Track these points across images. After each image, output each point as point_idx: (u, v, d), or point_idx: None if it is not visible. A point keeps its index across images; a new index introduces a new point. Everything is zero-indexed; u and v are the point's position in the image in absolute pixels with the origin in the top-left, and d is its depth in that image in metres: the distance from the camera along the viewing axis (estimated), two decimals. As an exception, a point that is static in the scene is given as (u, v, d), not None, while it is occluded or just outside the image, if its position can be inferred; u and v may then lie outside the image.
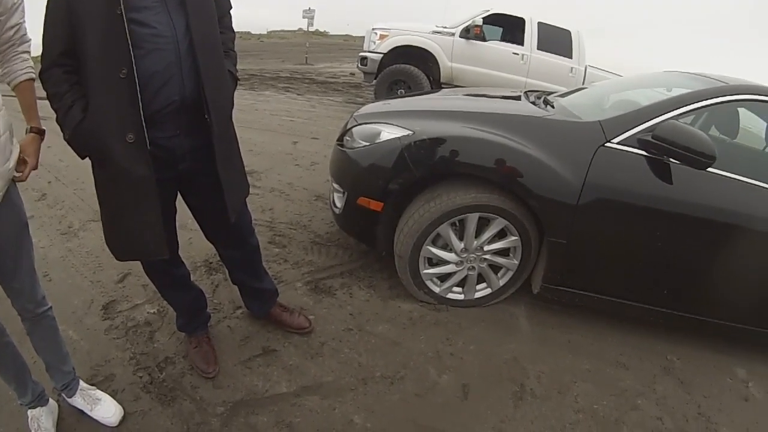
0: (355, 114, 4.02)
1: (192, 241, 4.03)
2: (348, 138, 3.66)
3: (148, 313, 3.32)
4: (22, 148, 2.00)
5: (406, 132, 3.31)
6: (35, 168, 2.06)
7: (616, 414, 2.84)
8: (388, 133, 3.39)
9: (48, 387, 2.51)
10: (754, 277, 3.22)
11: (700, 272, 3.21)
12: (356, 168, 3.45)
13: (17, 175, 1.96)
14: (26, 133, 2.07)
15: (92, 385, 2.67)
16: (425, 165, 3.24)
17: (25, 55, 2.04)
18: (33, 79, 2.05)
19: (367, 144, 3.45)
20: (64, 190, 5.33)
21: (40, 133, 2.10)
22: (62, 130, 2.07)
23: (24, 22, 2.01)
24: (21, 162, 1.98)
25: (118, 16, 1.86)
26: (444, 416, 2.71)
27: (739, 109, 3.86)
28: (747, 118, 3.98)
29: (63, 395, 2.55)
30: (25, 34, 2.03)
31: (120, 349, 3.01)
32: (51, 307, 2.32)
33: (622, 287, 3.36)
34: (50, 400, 2.49)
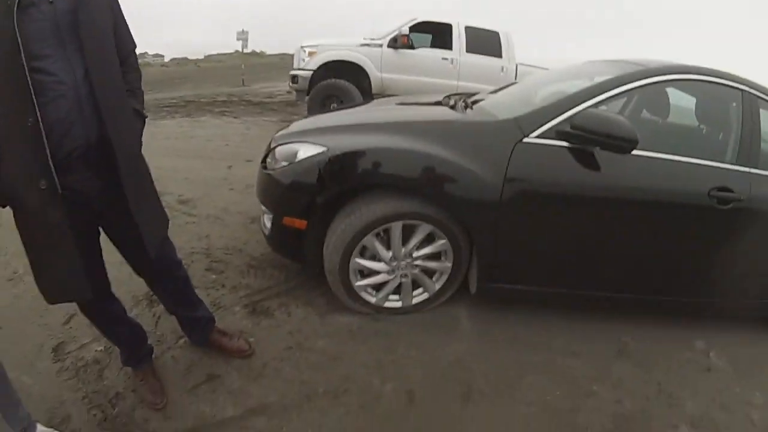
0: (275, 135, 4.05)
1: (133, 276, 3.99)
2: (270, 159, 3.69)
3: (95, 351, 3.30)
4: None
5: (320, 149, 3.34)
6: None
7: (570, 403, 2.89)
8: (304, 151, 3.41)
9: None
10: (689, 249, 3.32)
11: (634, 252, 3.29)
12: (279, 188, 3.47)
13: None
14: None
15: (51, 427, 2.65)
16: (340, 180, 3.28)
17: None
18: None
19: (286, 164, 3.48)
20: (6, 236, 5.09)
21: None
22: None
23: None
24: None
25: (21, 66, 1.88)
26: (392, 425, 2.75)
27: (668, 89, 3.93)
28: (679, 98, 4.03)
29: None
30: None
31: (72, 389, 2.99)
32: None
33: (557, 277, 3.42)
34: None
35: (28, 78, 1.89)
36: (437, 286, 3.58)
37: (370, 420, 2.77)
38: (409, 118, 3.69)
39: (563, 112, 3.17)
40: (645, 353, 3.28)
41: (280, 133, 4.05)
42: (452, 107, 3.92)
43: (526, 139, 3.12)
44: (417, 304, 3.64)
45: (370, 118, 3.99)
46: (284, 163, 3.50)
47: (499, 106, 3.76)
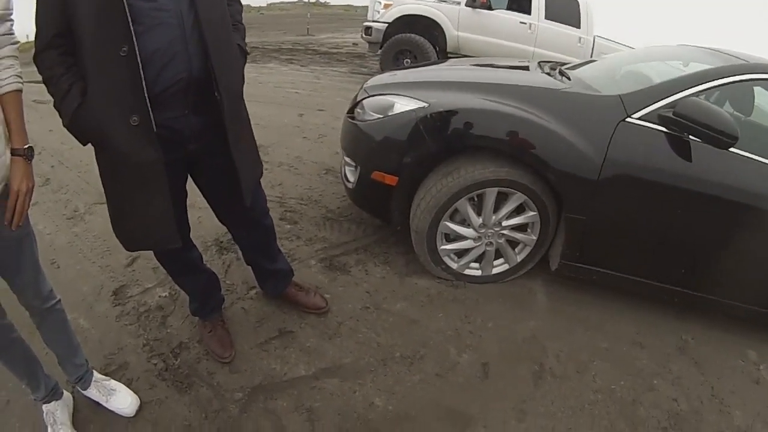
0: (365, 85, 3.92)
1: (201, 221, 3.93)
2: (359, 110, 3.57)
3: (159, 296, 3.26)
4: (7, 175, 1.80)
5: (421, 104, 3.22)
6: (28, 193, 1.82)
7: (633, 394, 2.81)
8: (402, 105, 3.30)
9: (62, 379, 2.44)
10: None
11: (716, 252, 3.17)
12: (369, 141, 3.37)
13: (7, 216, 1.77)
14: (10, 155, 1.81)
15: (106, 374, 2.60)
16: (441, 138, 3.17)
17: (8, 61, 1.80)
18: (19, 91, 1.83)
19: (380, 116, 3.37)
20: (67, 174, 5.21)
21: (26, 154, 1.82)
22: (60, 116, 1.95)
23: (10, 16, 1.80)
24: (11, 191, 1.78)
25: None
26: (465, 396, 2.67)
27: (754, 87, 3.77)
28: (761, 96, 3.92)
29: (77, 388, 2.48)
30: (11, 34, 1.82)
31: (132, 335, 2.94)
32: (59, 300, 2.23)
33: (639, 265, 3.31)
34: (65, 392, 2.42)
35: (125, 2, 1.74)
36: (519, 258, 3.49)
37: (444, 389, 2.70)
38: (513, 81, 3.52)
39: (666, 97, 3.03)
40: (703, 354, 3.20)
41: (370, 83, 3.93)
42: (548, 75, 3.78)
43: (628, 119, 3.01)
44: (496, 274, 3.54)
45: (467, 77, 3.82)
46: (377, 116, 3.39)
47: (597, 80, 3.61)
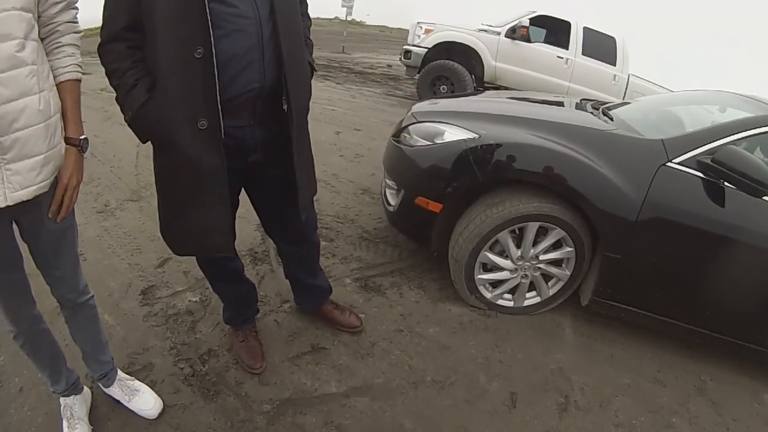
0: (412, 111, 3.97)
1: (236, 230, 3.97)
2: (406, 135, 3.62)
3: (189, 301, 3.27)
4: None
5: (472, 135, 3.27)
6: (76, 186, 1.82)
7: (652, 431, 2.83)
8: (452, 134, 3.35)
9: (82, 373, 2.44)
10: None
11: (742, 296, 3.16)
12: (415, 167, 3.41)
13: (52, 209, 1.77)
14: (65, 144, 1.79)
15: (129, 373, 2.60)
16: (490, 170, 3.20)
17: (70, 49, 1.77)
18: (78, 80, 1.81)
19: (428, 143, 3.42)
20: (100, 168, 5.24)
21: (81, 145, 1.81)
22: (123, 111, 1.94)
23: (76, 4, 1.78)
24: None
25: None
26: (492, 424, 2.68)
27: None
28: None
29: (99, 384, 2.47)
30: (74, 22, 1.78)
31: (159, 337, 2.95)
32: (93, 296, 2.23)
33: (668, 305, 3.31)
34: (84, 387, 2.42)
35: (207, 5, 1.75)
36: (551, 292, 3.51)
37: (473, 416, 2.71)
38: (561, 119, 3.55)
39: (706, 143, 3.08)
40: (720, 395, 3.21)
41: (417, 110, 3.98)
42: (592, 114, 3.83)
43: (669, 164, 3.05)
44: (527, 306, 3.56)
45: (513, 111, 3.86)
46: (425, 142, 3.44)
47: (638, 122, 3.66)
